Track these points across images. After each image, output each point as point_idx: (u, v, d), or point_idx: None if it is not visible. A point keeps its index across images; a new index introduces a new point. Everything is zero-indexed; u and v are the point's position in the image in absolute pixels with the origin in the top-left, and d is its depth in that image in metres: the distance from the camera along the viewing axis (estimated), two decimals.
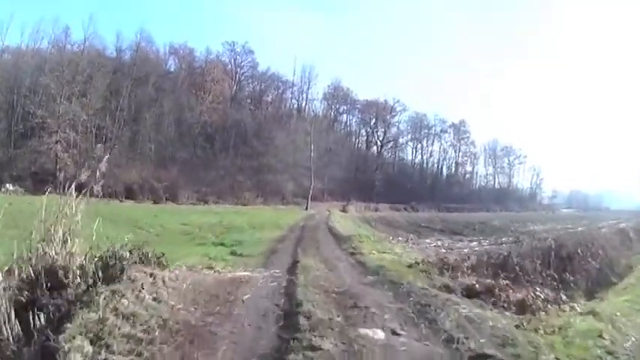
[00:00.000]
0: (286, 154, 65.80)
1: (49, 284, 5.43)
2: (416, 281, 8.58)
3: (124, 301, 5.23)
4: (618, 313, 7.88)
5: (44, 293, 5.35)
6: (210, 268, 8.61)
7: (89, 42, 56.38)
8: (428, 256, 14.67)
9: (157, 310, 5.20)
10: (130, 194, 45.19)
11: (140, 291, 5.63)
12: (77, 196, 6.30)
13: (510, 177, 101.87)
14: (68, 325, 4.54)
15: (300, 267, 9.89)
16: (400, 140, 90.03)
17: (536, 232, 33.10)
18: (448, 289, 8.20)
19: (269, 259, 12.31)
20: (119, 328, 4.56)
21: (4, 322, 4.51)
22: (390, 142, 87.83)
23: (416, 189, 78.92)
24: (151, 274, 6.40)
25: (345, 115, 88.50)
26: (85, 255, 6.06)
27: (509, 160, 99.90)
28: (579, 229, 36.46)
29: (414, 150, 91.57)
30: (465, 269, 10.02)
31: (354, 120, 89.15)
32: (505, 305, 7.36)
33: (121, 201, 42.45)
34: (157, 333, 4.58)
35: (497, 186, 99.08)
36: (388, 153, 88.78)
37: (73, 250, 5.95)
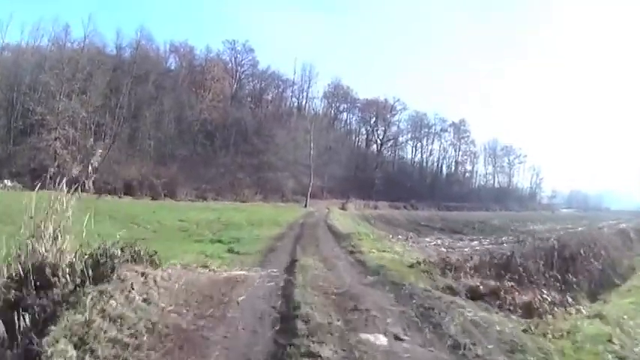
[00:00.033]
0: (286, 151, 65.68)
1: (38, 283, 5.23)
2: (418, 282, 8.33)
3: (112, 302, 4.97)
4: (625, 316, 7.77)
5: (30, 293, 5.13)
6: (206, 266, 8.32)
7: (89, 40, 56.05)
8: (429, 256, 14.48)
9: (146, 312, 4.93)
10: (129, 190, 45.02)
11: (130, 291, 5.37)
12: (68, 192, 6.07)
13: (510, 176, 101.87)
14: (52, 327, 4.29)
15: (298, 266, 9.62)
16: (400, 139, 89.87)
17: (537, 232, 32.97)
18: (452, 290, 7.94)
19: (267, 258, 12.04)
20: (105, 332, 4.29)
21: None
22: (389, 140, 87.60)
23: (415, 187, 78.74)
24: (143, 274, 6.14)
25: (345, 114, 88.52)
26: (75, 253, 5.80)
27: (509, 160, 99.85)
28: (579, 229, 36.27)
29: (414, 149, 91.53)
30: (468, 270, 9.75)
31: (354, 118, 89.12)
32: (511, 308, 7.12)
33: (119, 197, 42.25)
34: (144, 338, 4.30)
35: (496, 185, 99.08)
36: (388, 151, 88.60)
37: (64, 248, 5.71)
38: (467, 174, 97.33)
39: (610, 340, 5.94)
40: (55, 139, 45.16)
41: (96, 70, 53.42)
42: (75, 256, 5.76)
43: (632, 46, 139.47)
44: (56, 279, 5.35)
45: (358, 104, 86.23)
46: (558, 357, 5.12)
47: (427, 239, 25.50)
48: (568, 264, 15.14)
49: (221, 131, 64.58)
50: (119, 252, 6.37)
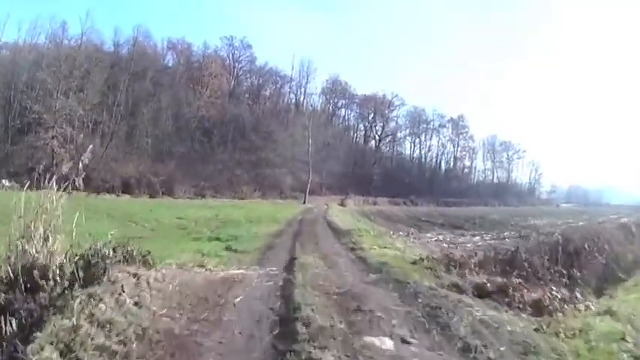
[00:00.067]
0: (284, 148, 65.65)
1: (28, 285, 4.93)
2: (422, 280, 8.05)
3: (102, 305, 4.67)
4: (635, 313, 7.56)
5: (17, 297, 4.86)
6: (202, 266, 8.00)
7: (86, 37, 56.18)
8: (432, 252, 14.24)
9: (136, 316, 4.62)
10: (126, 188, 45.25)
11: (120, 294, 5.07)
12: (59, 190, 5.79)
13: (509, 172, 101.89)
14: (38, 333, 4.00)
15: (297, 264, 9.33)
16: (398, 135, 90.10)
17: (538, 227, 32.75)
18: (458, 288, 7.66)
19: (265, 256, 11.76)
20: (92, 339, 3.99)
21: None
22: (388, 136, 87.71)
23: (414, 183, 78.64)
24: (135, 275, 5.83)
25: (343, 110, 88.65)
26: (66, 253, 5.52)
27: (507, 155, 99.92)
28: (580, 223, 36.02)
29: (413, 144, 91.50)
30: (473, 266, 9.49)
31: (352, 114, 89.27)
32: (520, 306, 6.85)
33: (117, 195, 42.18)
34: (134, 345, 4.00)
35: (495, 181, 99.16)
36: (386, 147, 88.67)
37: (54, 249, 5.43)
38: (465, 169, 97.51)
39: (623, 339, 5.73)
40: (53, 137, 45.15)
41: (93, 67, 53.47)
42: (65, 257, 5.45)
43: (632, 44, 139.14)
44: (44, 281, 5.07)
45: (356, 100, 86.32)
46: (573, 358, 4.90)
47: (428, 235, 25.19)
48: (572, 259, 14.90)
49: (219, 128, 64.49)
50: (111, 252, 6.07)
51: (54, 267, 5.27)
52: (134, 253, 6.56)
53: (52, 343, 3.87)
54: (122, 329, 4.27)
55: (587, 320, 6.62)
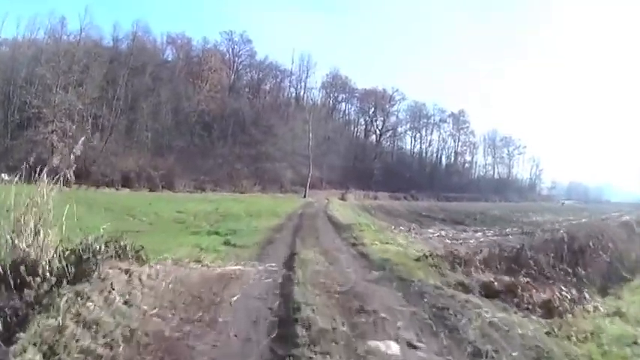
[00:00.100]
0: (285, 142, 65.52)
1: (18, 281, 4.73)
2: (427, 278, 7.77)
3: (90, 304, 4.40)
4: None
5: (2, 294, 4.62)
6: (199, 261, 7.71)
7: (85, 32, 56.26)
8: (435, 248, 13.98)
9: (125, 316, 4.34)
10: (126, 182, 45.29)
11: (110, 292, 4.79)
12: (49, 183, 5.65)
13: (510, 167, 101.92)
14: (22, 333, 3.73)
15: (298, 260, 9.05)
16: (399, 129, 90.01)
17: (539, 223, 32.52)
18: (464, 287, 7.37)
19: (264, 250, 11.45)
20: (77, 340, 3.72)
21: None
22: (388, 131, 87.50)
23: (415, 178, 78.55)
24: (127, 271, 5.55)
25: (343, 104, 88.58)
26: (56, 248, 5.26)
27: (508, 151, 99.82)
28: (582, 220, 35.80)
29: (413, 139, 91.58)
30: (478, 264, 9.21)
31: (352, 109, 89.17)
32: (529, 307, 6.56)
33: (117, 189, 42.07)
34: (120, 348, 3.72)
35: (496, 176, 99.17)
36: (387, 142, 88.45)
37: (45, 243, 5.21)
38: (466, 165, 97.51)
39: (636, 342, 5.53)
40: (52, 131, 45.18)
41: (92, 62, 53.57)
42: (55, 253, 5.20)
43: (632, 44, 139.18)
44: (31, 278, 4.81)
45: (357, 94, 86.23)
46: None
47: (430, 230, 24.90)
48: (577, 257, 14.59)
49: (219, 122, 64.38)
50: (103, 247, 5.79)
51: (43, 262, 5.04)
52: (127, 248, 6.28)
53: (35, 345, 3.62)
54: (109, 330, 3.99)
55: (598, 322, 6.39)
